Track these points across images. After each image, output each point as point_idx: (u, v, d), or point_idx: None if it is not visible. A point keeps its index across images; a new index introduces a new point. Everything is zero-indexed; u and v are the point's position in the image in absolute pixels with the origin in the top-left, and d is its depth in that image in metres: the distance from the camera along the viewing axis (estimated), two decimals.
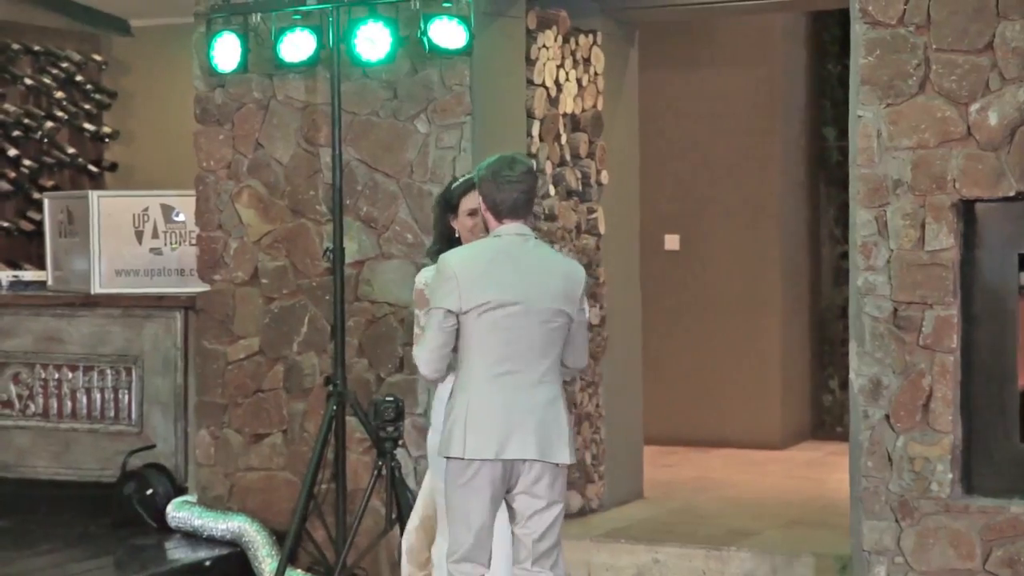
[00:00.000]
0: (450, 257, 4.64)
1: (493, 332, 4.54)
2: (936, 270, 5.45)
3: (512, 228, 4.63)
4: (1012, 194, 5.37)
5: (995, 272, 5.49)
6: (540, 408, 4.55)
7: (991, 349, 5.49)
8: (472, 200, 4.88)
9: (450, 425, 4.58)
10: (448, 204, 5.07)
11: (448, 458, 4.58)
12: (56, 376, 7.26)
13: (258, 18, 6.18)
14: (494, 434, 4.51)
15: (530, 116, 6.56)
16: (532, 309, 4.54)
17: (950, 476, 5.44)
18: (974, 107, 5.38)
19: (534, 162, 4.96)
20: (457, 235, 5.02)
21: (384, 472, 5.61)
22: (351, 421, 6.08)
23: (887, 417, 5.51)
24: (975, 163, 5.39)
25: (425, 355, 4.64)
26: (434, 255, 4.93)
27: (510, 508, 4.64)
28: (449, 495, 4.62)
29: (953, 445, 5.46)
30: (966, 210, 5.48)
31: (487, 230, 4.72)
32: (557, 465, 4.58)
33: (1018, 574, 5.34)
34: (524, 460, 4.53)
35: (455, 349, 4.61)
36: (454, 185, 5.13)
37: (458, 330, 4.58)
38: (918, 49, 5.43)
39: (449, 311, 4.55)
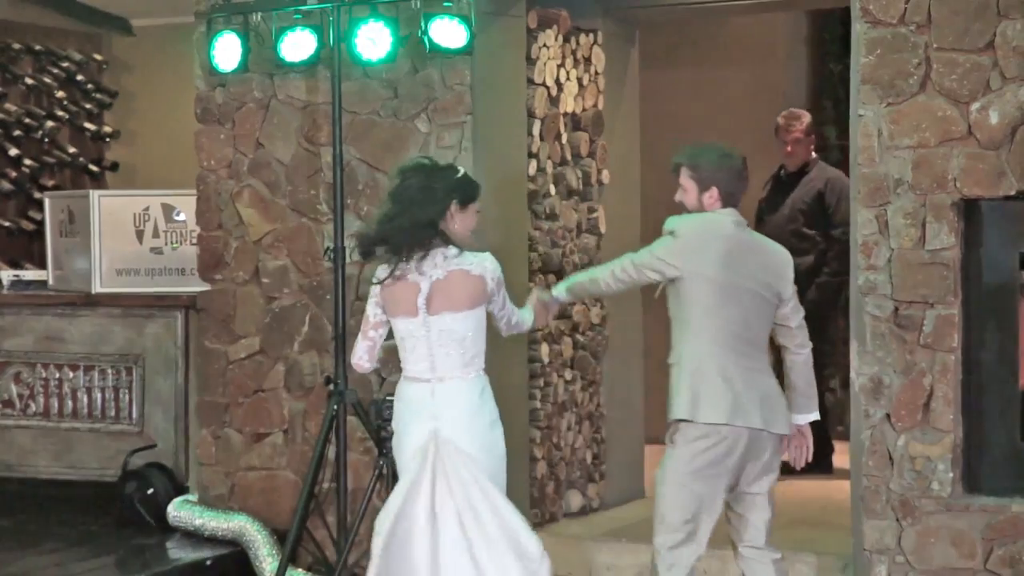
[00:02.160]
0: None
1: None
2: (937, 269, 5.45)
3: (731, 212, 4.91)
4: (1013, 193, 5.37)
5: (996, 271, 5.49)
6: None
7: (992, 348, 5.49)
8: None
9: None
10: (465, 194, 4.84)
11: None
12: (57, 376, 7.26)
13: (259, 17, 6.18)
14: None
15: (531, 115, 6.56)
16: (748, 287, 4.86)
17: (951, 475, 5.44)
18: (975, 106, 5.38)
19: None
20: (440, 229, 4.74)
21: (385, 471, 5.61)
22: (352, 420, 6.08)
23: (888, 416, 5.51)
24: (976, 162, 5.39)
25: None
26: (409, 236, 4.69)
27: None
28: None
29: (954, 444, 5.46)
30: (967, 209, 5.48)
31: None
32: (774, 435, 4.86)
33: (1019, 573, 5.34)
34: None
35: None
36: (463, 174, 4.90)
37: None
38: (919, 48, 5.43)
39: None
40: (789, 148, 7.71)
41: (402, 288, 4.76)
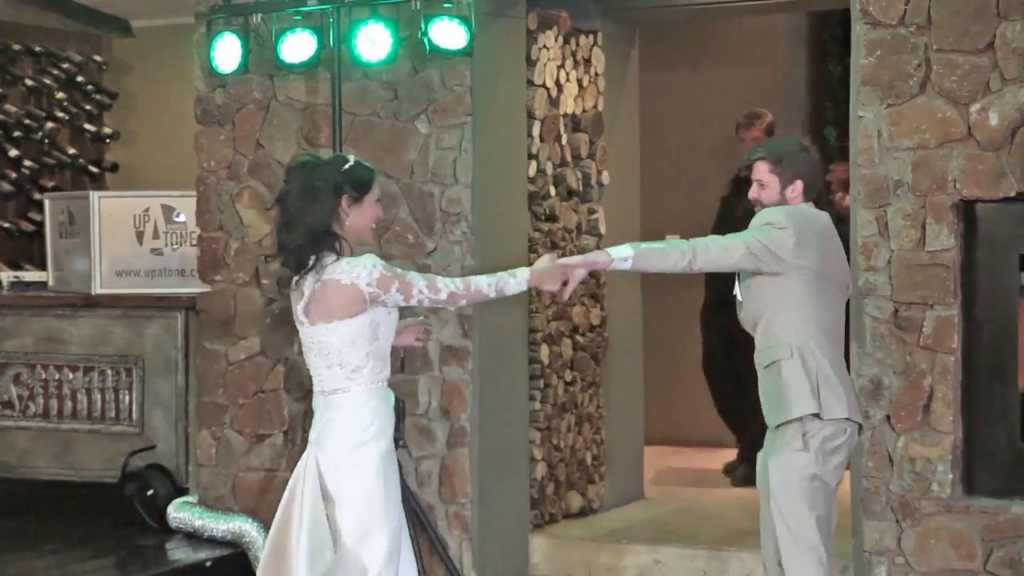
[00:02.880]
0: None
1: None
2: (937, 270, 5.45)
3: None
4: (1013, 194, 5.37)
5: (996, 272, 5.49)
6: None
7: (992, 350, 5.49)
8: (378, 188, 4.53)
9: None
10: (355, 187, 4.43)
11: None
12: (57, 377, 7.26)
13: (259, 19, 6.18)
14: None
15: (531, 116, 6.56)
16: (842, 283, 4.90)
17: (951, 476, 5.44)
18: (975, 107, 5.38)
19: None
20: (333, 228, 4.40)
21: None
22: None
23: (888, 417, 5.52)
24: (976, 163, 5.39)
25: None
26: (302, 250, 4.37)
27: None
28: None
29: (954, 445, 5.46)
30: (967, 210, 5.48)
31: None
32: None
33: (1019, 574, 5.34)
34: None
35: None
36: (351, 164, 4.46)
37: None
38: (919, 49, 5.44)
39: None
40: (749, 148, 7.58)
41: (295, 296, 4.52)
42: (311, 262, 4.40)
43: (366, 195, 4.45)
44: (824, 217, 4.87)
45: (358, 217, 4.44)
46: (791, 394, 4.70)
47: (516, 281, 4.59)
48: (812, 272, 4.73)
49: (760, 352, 4.82)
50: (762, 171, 4.87)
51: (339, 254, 4.41)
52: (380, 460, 4.44)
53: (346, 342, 4.41)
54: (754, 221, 4.82)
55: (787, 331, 4.74)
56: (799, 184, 4.83)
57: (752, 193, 4.90)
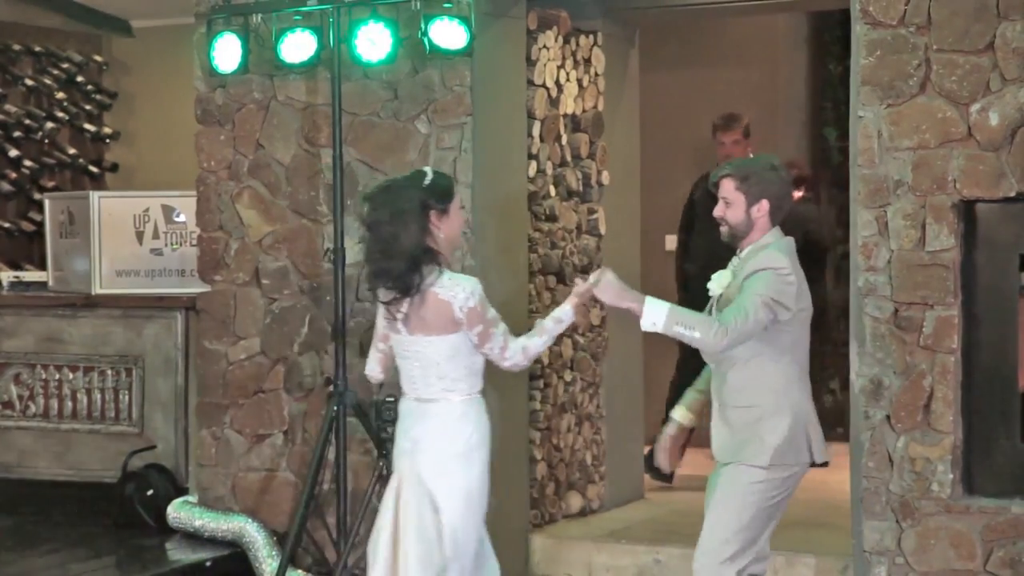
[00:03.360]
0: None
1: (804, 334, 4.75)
2: (937, 271, 5.45)
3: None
4: (1013, 195, 5.37)
5: (996, 273, 5.48)
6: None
7: (992, 350, 5.49)
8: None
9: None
10: (439, 199, 4.58)
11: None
12: (57, 377, 7.26)
13: (259, 19, 6.18)
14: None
15: (531, 116, 6.56)
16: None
17: (951, 477, 5.44)
18: (975, 108, 5.38)
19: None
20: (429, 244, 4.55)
21: (385, 472, 5.61)
22: (352, 422, 6.08)
23: (888, 418, 5.51)
24: (976, 163, 5.39)
25: None
26: (406, 275, 4.50)
27: None
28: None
29: (954, 446, 5.46)
30: (967, 211, 5.48)
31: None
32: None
33: (1019, 574, 5.34)
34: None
35: None
36: (430, 178, 4.60)
37: None
38: (919, 50, 5.43)
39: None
40: (727, 150, 7.48)
41: (392, 306, 4.65)
42: (416, 282, 4.52)
43: (450, 204, 4.60)
44: (793, 242, 4.81)
45: (448, 228, 4.62)
46: (769, 441, 4.65)
47: (563, 315, 4.71)
48: (805, 312, 4.71)
49: (736, 391, 4.69)
50: (728, 189, 4.73)
51: (439, 266, 4.56)
52: (483, 469, 4.61)
53: (446, 356, 4.56)
54: (753, 263, 4.66)
55: (773, 376, 4.66)
56: (765, 204, 4.70)
57: (717, 211, 4.79)
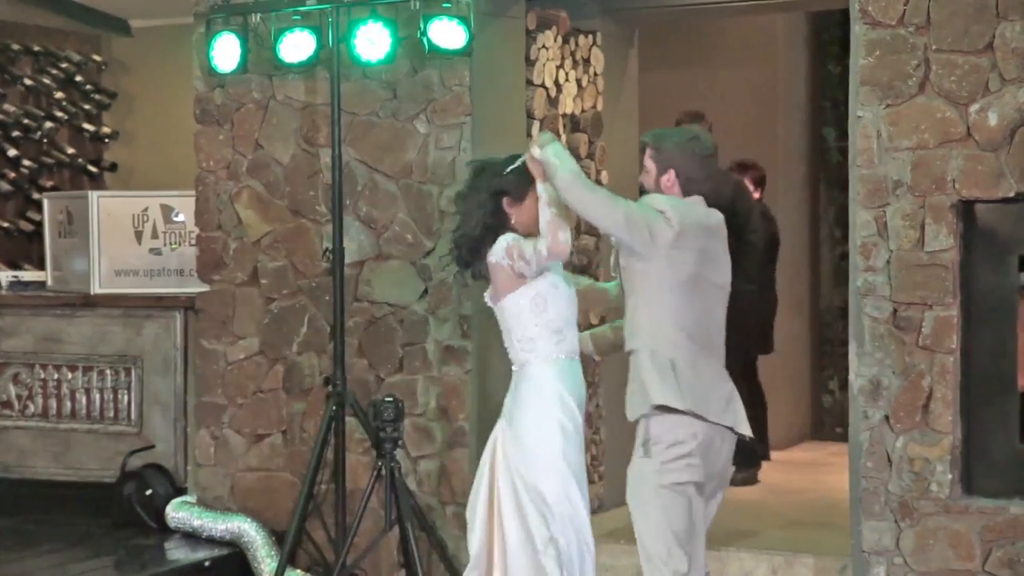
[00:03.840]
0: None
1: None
2: (936, 271, 5.45)
3: (700, 200, 4.69)
4: (1012, 195, 5.37)
5: (995, 273, 5.48)
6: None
7: (991, 350, 5.49)
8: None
9: None
10: (515, 190, 4.77)
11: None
12: (56, 376, 7.26)
13: (258, 18, 6.18)
14: None
15: (530, 116, 6.56)
16: (719, 284, 4.75)
17: (950, 477, 5.44)
18: (974, 108, 5.37)
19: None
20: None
21: (384, 472, 5.61)
22: (351, 421, 6.08)
23: (887, 418, 5.51)
24: (975, 164, 5.39)
25: None
26: (463, 249, 4.81)
27: None
28: None
29: (953, 446, 5.46)
30: (966, 211, 5.48)
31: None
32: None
33: (1017, 575, 5.34)
34: None
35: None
36: (512, 167, 4.78)
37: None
38: (918, 50, 5.43)
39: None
40: None
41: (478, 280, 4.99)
42: (469, 258, 4.83)
43: (527, 193, 4.76)
44: (716, 217, 4.75)
45: (520, 216, 4.81)
46: (637, 390, 4.66)
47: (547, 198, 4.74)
48: (687, 270, 4.59)
49: (625, 337, 4.76)
50: (645, 156, 4.80)
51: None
52: (561, 434, 4.76)
53: (514, 316, 4.80)
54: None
55: (646, 323, 4.64)
56: (671, 174, 4.69)
57: (640, 178, 4.86)
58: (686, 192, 4.70)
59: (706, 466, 4.66)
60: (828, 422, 9.33)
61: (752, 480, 7.60)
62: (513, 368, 4.89)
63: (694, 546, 4.70)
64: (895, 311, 5.49)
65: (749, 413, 4.84)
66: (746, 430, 4.73)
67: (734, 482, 7.47)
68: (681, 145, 4.72)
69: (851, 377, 5.58)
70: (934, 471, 5.44)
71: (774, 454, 8.50)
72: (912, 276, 5.47)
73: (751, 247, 7.50)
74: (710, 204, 4.77)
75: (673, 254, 4.57)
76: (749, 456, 7.47)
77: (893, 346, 5.49)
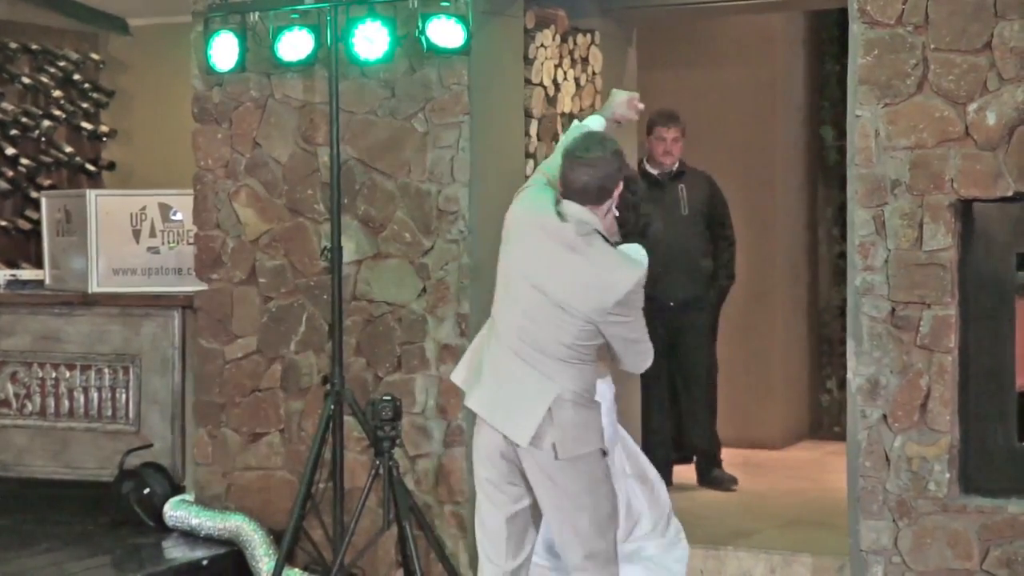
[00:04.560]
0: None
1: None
2: (934, 270, 5.45)
3: (575, 210, 4.50)
4: (1010, 194, 5.37)
5: (993, 272, 5.49)
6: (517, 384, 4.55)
7: (989, 349, 5.49)
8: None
9: None
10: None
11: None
12: (54, 375, 7.26)
13: (256, 17, 6.18)
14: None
15: (528, 115, 6.56)
16: (547, 295, 4.50)
17: (948, 476, 5.44)
18: (972, 107, 5.38)
19: (616, 145, 4.61)
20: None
21: (382, 471, 5.62)
22: (349, 420, 6.08)
23: (885, 417, 5.51)
24: (973, 163, 5.39)
25: None
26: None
27: None
28: None
29: (951, 445, 5.46)
30: (964, 210, 5.48)
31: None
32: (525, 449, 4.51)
33: (1015, 574, 5.34)
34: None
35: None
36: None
37: None
38: (916, 49, 5.43)
39: None
40: (668, 146, 7.37)
41: None
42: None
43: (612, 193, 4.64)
44: (557, 225, 4.49)
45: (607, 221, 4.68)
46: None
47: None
48: (511, 265, 4.57)
49: None
50: None
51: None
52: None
53: None
54: None
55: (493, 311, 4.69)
56: (561, 179, 4.61)
57: None
58: (564, 194, 4.56)
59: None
60: (826, 421, 9.33)
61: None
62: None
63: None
64: (893, 310, 5.50)
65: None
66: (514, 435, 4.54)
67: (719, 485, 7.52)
68: (564, 150, 4.60)
69: (849, 376, 5.58)
70: (932, 470, 5.45)
71: (773, 453, 8.51)
72: (910, 275, 5.47)
73: (726, 243, 7.53)
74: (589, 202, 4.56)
75: (503, 247, 4.61)
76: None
77: (891, 345, 5.49)
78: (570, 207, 4.52)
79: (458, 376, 4.77)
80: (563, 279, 4.48)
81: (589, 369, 4.59)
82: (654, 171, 7.46)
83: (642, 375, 7.59)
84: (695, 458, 7.64)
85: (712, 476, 7.54)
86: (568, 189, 4.54)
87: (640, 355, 4.68)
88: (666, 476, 7.54)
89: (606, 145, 4.55)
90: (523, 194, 4.68)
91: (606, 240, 4.56)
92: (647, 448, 7.59)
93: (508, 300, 4.58)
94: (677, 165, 7.49)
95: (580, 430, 4.52)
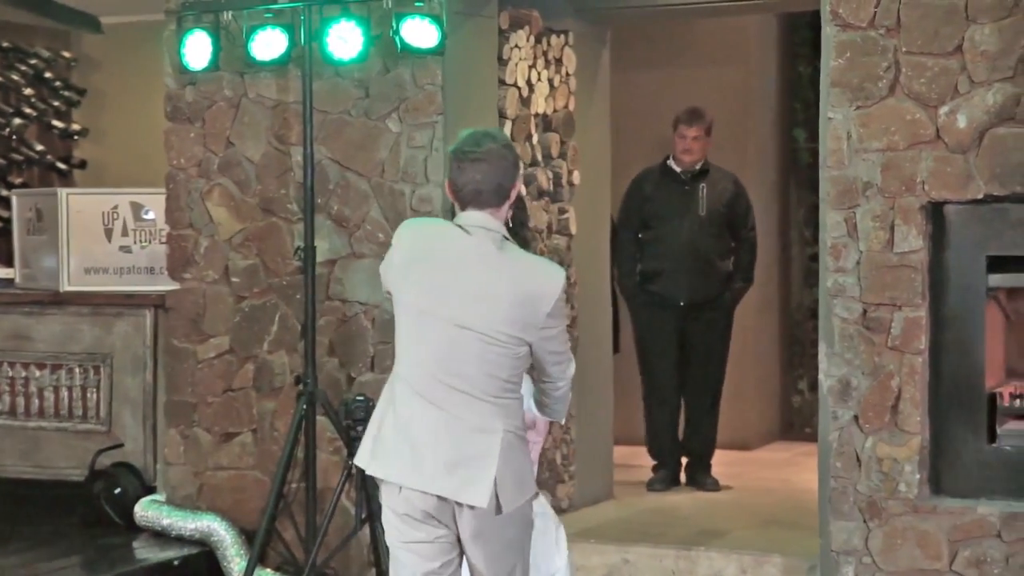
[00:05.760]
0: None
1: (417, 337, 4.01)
2: (905, 272, 5.48)
3: (475, 219, 4.01)
4: (981, 196, 5.40)
5: (963, 274, 5.52)
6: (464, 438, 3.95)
7: (959, 350, 5.52)
8: None
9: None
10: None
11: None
12: (24, 374, 7.22)
13: (229, 16, 6.15)
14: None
15: (502, 116, 6.56)
16: (463, 325, 3.95)
17: (918, 477, 5.47)
18: (943, 110, 5.41)
19: (508, 138, 4.23)
20: None
21: (354, 472, 5.60)
22: (321, 420, 6.07)
23: (856, 418, 5.54)
24: (944, 165, 5.42)
25: None
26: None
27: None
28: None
29: (921, 446, 5.49)
30: (935, 212, 5.51)
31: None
32: (482, 510, 3.94)
33: (984, 574, 5.37)
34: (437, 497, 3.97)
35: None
36: None
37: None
38: (888, 52, 5.46)
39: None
40: (688, 144, 7.40)
41: None
42: None
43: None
44: (461, 243, 3.98)
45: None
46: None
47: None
48: (410, 303, 3.99)
49: None
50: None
51: None
52: None
53: None
54: None
55: (394, 366, 4.09)
56: (447, 183, 4.10)
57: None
58: (464, 204, 4.03)
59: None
60: (798, 422, 9.37)
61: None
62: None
63: None
64: (865, 312, 5.52)
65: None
66: (470, 499, 3.96)
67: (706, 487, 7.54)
68: (453, 149, 4.08)
69: (820, 377, 5.61)
70: (902, 471, 5.47)
71: (744, 454, 8.54)
72: (881, 277, 5.50)
73: (748, 244, 7.53)
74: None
75: (397, 286, 4.04)
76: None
77: (862, 347, 5.51)
78: (469, 217, 3.99)
79: (363, 456, 4.08)
80: (485, 304, 3.94)
81: (518, 402, 4.06)
82: (677, 168, 7.49)
83: (648, 375, 7.63)
84: (686, 460, 7.66)
85: (699, 480, 7.55)
86: (461, 194, 4.01)
87: (569, 364, 4.23)
88: (675, 476, 7.59)
89: (497, 137, 4.06)
90: (402, 231, 4.12)
91: (518, 246, 4.12)
92: (652, 446, 7.63)
93: (418, 347, 3.97)
94: (701, 164, 7.49)
95: (520, 475, 4.02)
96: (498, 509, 3.96)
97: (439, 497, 3.97)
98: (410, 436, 3.98)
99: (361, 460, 4.11)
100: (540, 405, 4.32)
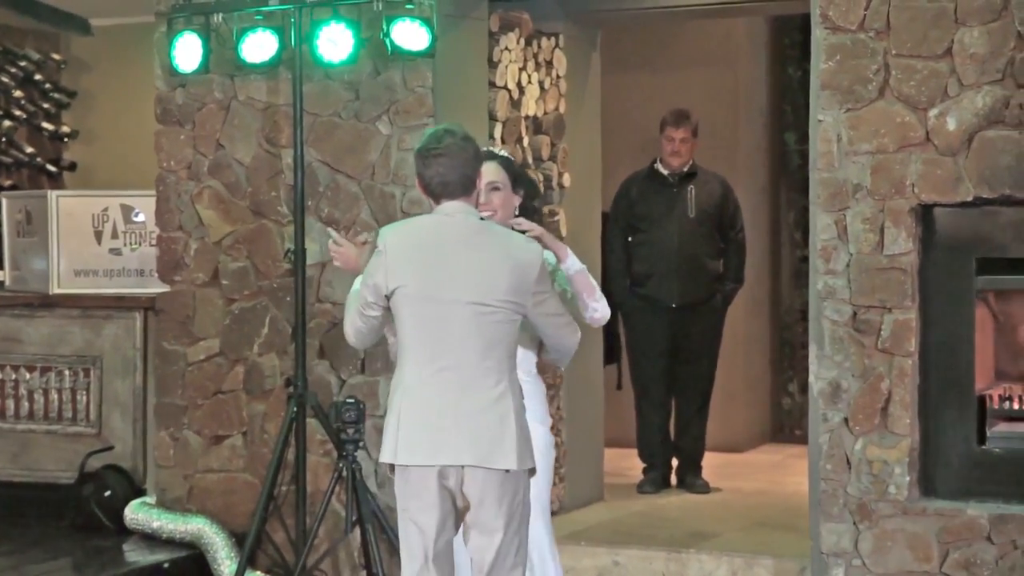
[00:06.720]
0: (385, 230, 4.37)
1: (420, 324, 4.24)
2: (895, 274, 5.49)
3: (452, 207, 4.27)
4: (970, 199, 5.41)
5: (953, 276, 5.53)
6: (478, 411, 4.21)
7: (949, 353, 5.53)
8: (489, 172, 4.56)
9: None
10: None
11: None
12: (14, 377, 7.21)
13: (220, 18, 6.15)
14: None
15: (492, 118, 6.57)
16: (462, 300, 4.20)
17: (908, 479, 5.48)
18: (933, 112, 5.42)
19: (466, 131, 4.39)
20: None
21: (344, 474, 5.61)
22: (312, 423, 6.06)
23: (846, 420, 5.55)
24: (933, 168, 5.43)
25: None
26: None
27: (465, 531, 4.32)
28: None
29: (911, 448, 5.50)
30: (924, 214, 5.53)
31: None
32: (507, 473, 4.20)
33: None
34: (463, 466, 4.20)
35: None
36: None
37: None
38: (878, 54, 5.47)
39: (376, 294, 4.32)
40: (676, 147, 7.40)
41: None
42: None
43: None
44: (431, 222, 4.30)
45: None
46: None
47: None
48: (410, 293, 4.23)
49: None
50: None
51: None
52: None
53: None
54: None
55: (398, 364, 4.33)
56: (418, 181, 4.36)
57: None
58: (438, 198, 4.32)
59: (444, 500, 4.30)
60: (788, 424, 9.38)
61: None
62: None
63: None
64: (855, 314, 5.53)
65: None
66: (499, 463, 4.23)
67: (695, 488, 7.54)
68: (419, 148, 4.35)
69: (811, 379, 5.62)
70: (892, 473, 5.48)
71: (735, 456, 8.55)
72: (871, 279, 5.51)
73: (736, 245, 7.53)
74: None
75: (398, 285, 4.27)
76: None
77: (852, 349, 5.52)
78: (446, 207, 4.29)
79: (387, 451, 4.28)
80: (481, 274, 4.21)
81: (515, 369, 4.37)
82: (664, 171, 7.48)
83: (639, 375, 7.63)
84: (676, 462, 7.66)
85: (689, 482, 7.56)
86: (431, 188, 4.29)
87: (571, 327, 4.46)
88: (665, 478, 7.59)
89: (456, 132, 4.31)
90: (385, 232, 4.36)
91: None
92: (643, 449, 7.63)
93: (424, 331, 4.23)
94: (688, 166, 7.49)
95: (528, 436, 4.30)
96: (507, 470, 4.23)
97: (442, 468, 4.21)
98: (429, 418, 4.22)
99: (386, 455, 4.30)
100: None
